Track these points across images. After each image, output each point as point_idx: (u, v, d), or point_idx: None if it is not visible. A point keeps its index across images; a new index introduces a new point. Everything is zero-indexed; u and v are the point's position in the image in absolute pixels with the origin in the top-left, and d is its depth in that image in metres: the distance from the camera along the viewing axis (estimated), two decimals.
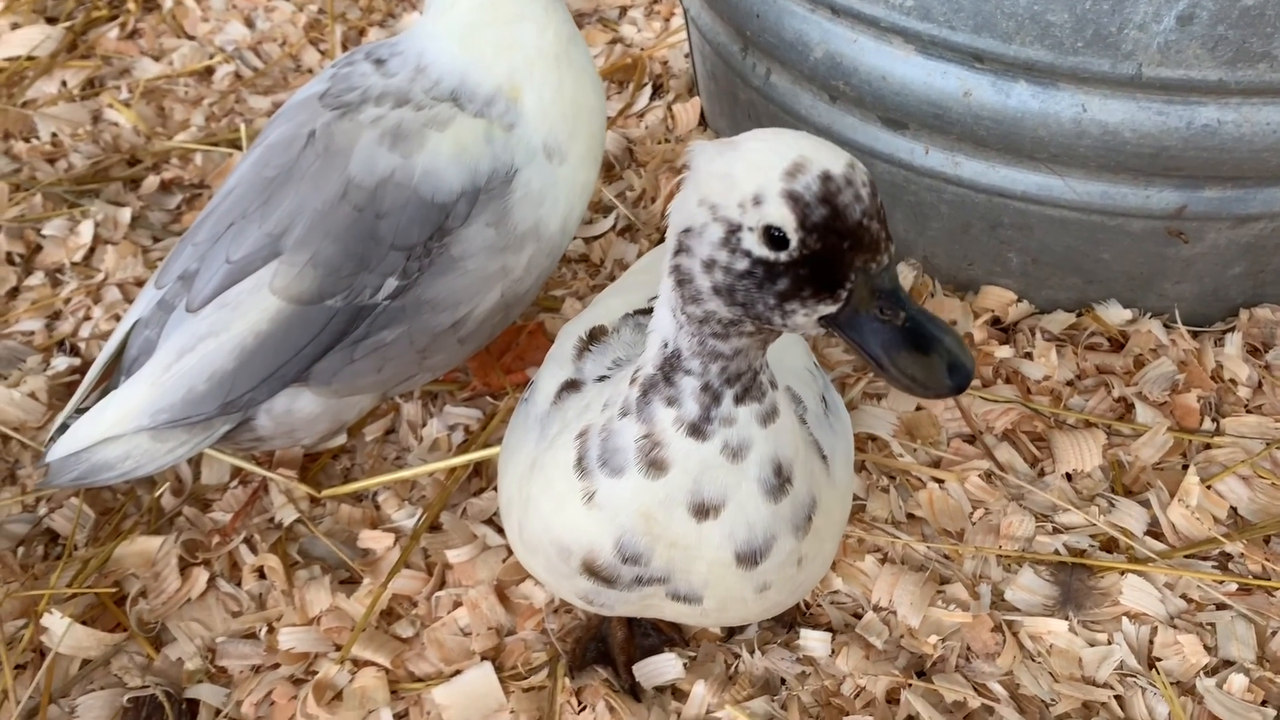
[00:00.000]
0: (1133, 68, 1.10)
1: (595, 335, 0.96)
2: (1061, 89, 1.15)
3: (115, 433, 1.06)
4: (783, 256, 0.67)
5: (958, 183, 1.30)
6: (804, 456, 0.84)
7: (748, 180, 0.68)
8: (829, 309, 0.68)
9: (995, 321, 1.41)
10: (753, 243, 0.68)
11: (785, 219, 0.66)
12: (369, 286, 1.08)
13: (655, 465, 0.79)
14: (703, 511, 0.80)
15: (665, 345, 0.77)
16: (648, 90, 1.82)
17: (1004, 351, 1.37)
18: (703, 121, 1.74)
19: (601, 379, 0.92)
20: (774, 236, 0.67)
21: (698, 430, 0.77)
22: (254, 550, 1.22)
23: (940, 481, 1.26)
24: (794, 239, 0.66)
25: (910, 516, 1.24)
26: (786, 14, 1.32)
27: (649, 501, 0.80)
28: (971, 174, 1.29)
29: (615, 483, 0.80)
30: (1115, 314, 1.37)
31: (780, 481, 0.80)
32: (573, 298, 1.50)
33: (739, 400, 0.77)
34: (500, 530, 1.23)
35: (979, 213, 1.32)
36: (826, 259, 0.66)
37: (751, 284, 0.69)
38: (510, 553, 1.20)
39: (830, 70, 1.30)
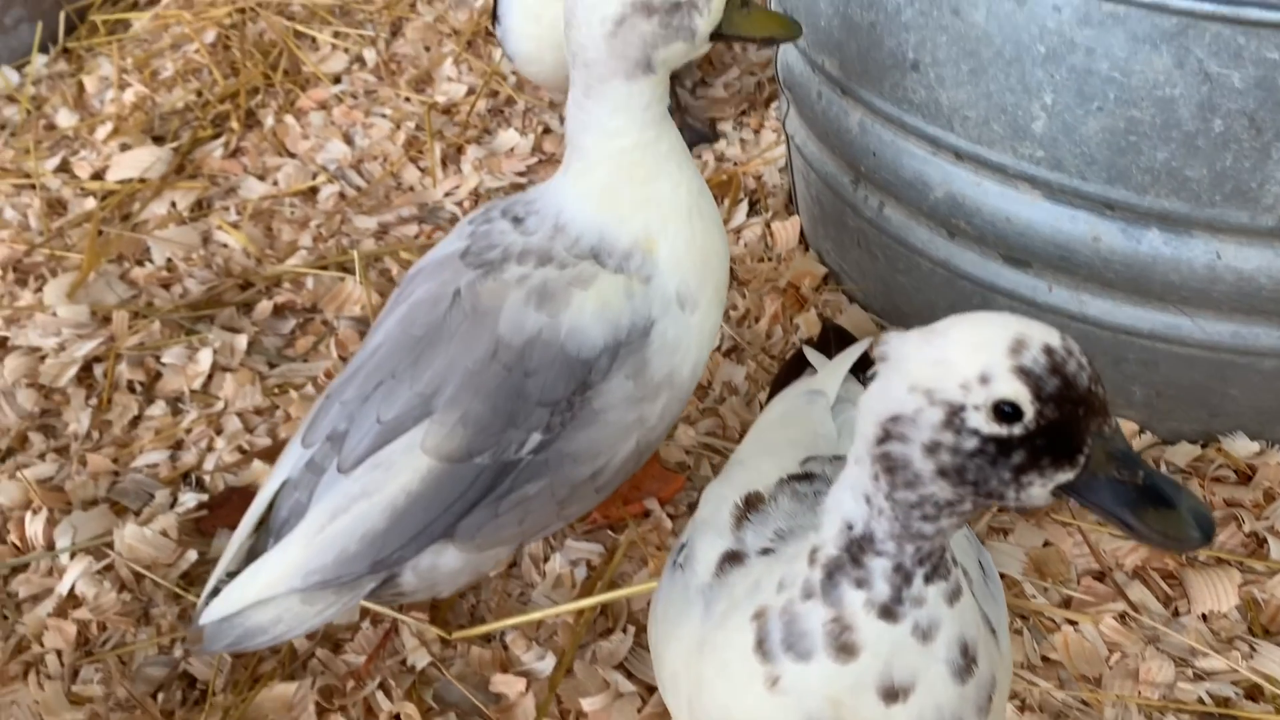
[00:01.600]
0: (1272, 220, 1.10)
1: (752, 503, 0.97)
2: (1195, 236, 1.16)
3: (268, 595, 1.08)
4: (1017, 430, 0.69)
5: (1082, 320, 1.30)
6: (984, 634, 0.84)
7: (969, 362, 0.70)
8: (1067, 476, 0.70)
9: None
10: (980, 421, 0.69)
11: (1019, 393, 0.68)
12: (515, 442, 1.10)
13: (845, 649, 0.79)
14: (892, 695, 0.80)
15: (851, 528, 0.78)
16: (744, 206, 1.85)
17: None
18: (802, 240, 1.76)
19: (765, 551, 0.92)
20: (1005, 412, 0.69)
21: (889, 612, 0.78)
22: (389, 696, 1.23)
23: (1074, 623, 1.25)
24: (1030, 411, 0.68)
25: (1045, 660, 1.23)
26: (905, 154, 1.33)
27: (838, 687, 0.80)
28: (1097, 312, 1.29)
29: (802, 668, 0.80)
30: (1242, 446, 1.36)
31: (967, 662, 0.80)
32: (684, 423, 1.51)
33: (928, 579, 0.78)
34: (630, 675, 1.24)
35: (1103, 348, 1.32)
36: (1063, 427, 0.69)
37: (984, 461, 0.70)
38: (644, 701, 1.20)
39: (951, 210, 1.31)
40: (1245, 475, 1.37)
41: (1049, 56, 1.09)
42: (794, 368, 1.27)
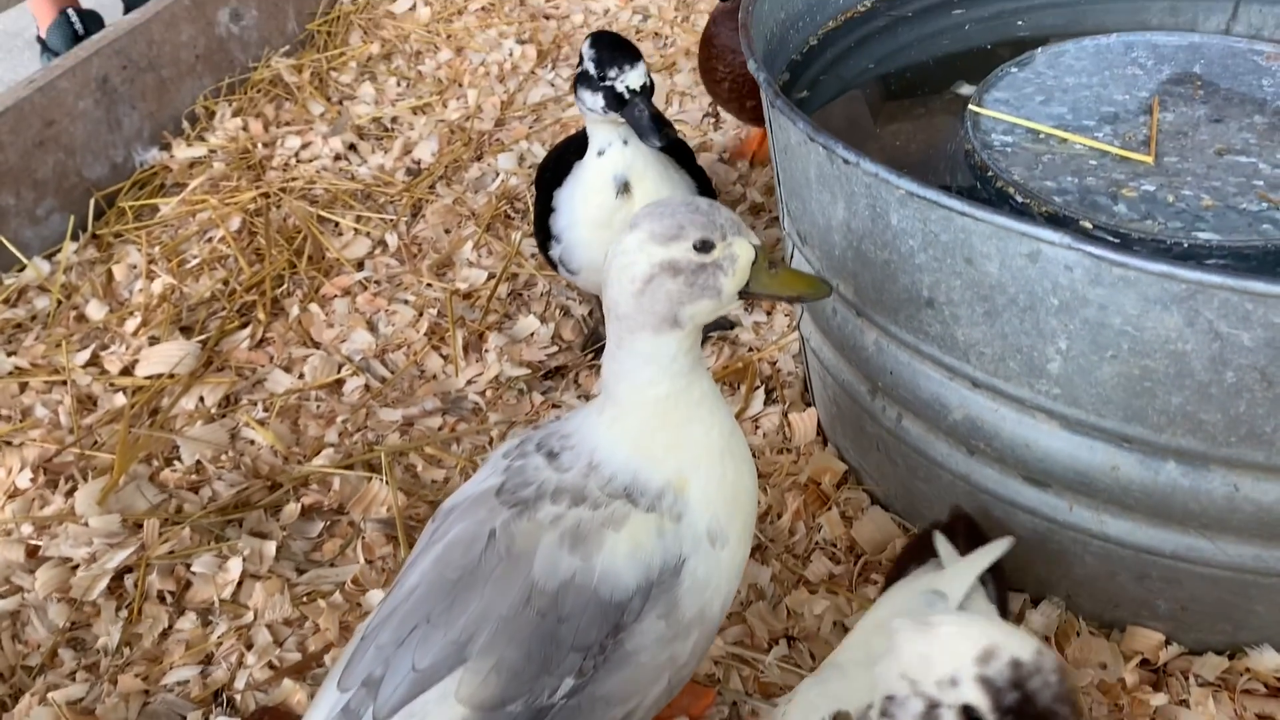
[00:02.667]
0: None
1: None
2: (1213, 470, 1.19)
3: None
4: None
5: (1103, 539, 1.33)
6: None
7: (943, 663, 0.77)
8: None
9: (1145, 663, 1.41)
10: (951, 718, 0.78)
11: (980, 701, 0.76)
12: (548, 689, 1.10)
13: None
14: None
15: None
16: (760, 394, 1.88)
17: (1158, 699, 1.36)
18: (820, 432, 1.79)
19: None
20: (972, 716, 0.77)
21: None
22: None
23: None
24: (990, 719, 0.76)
25: None
26: (922, 376, 1.37)
27: None
28: (1118, 532, 1.31)
29: None
30: (1270, 659, 1.37)
31: None
32: None
33: None
34: None
35: (1125, 565, 1.34)
36: None
37: None
38: None
39: (969, 431, 1.35)
40: (1275, 689, 1.37)
41: (1062, 308, 1.13)
42: (917, 551, 1.28)
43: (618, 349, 1.14)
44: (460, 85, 2.86)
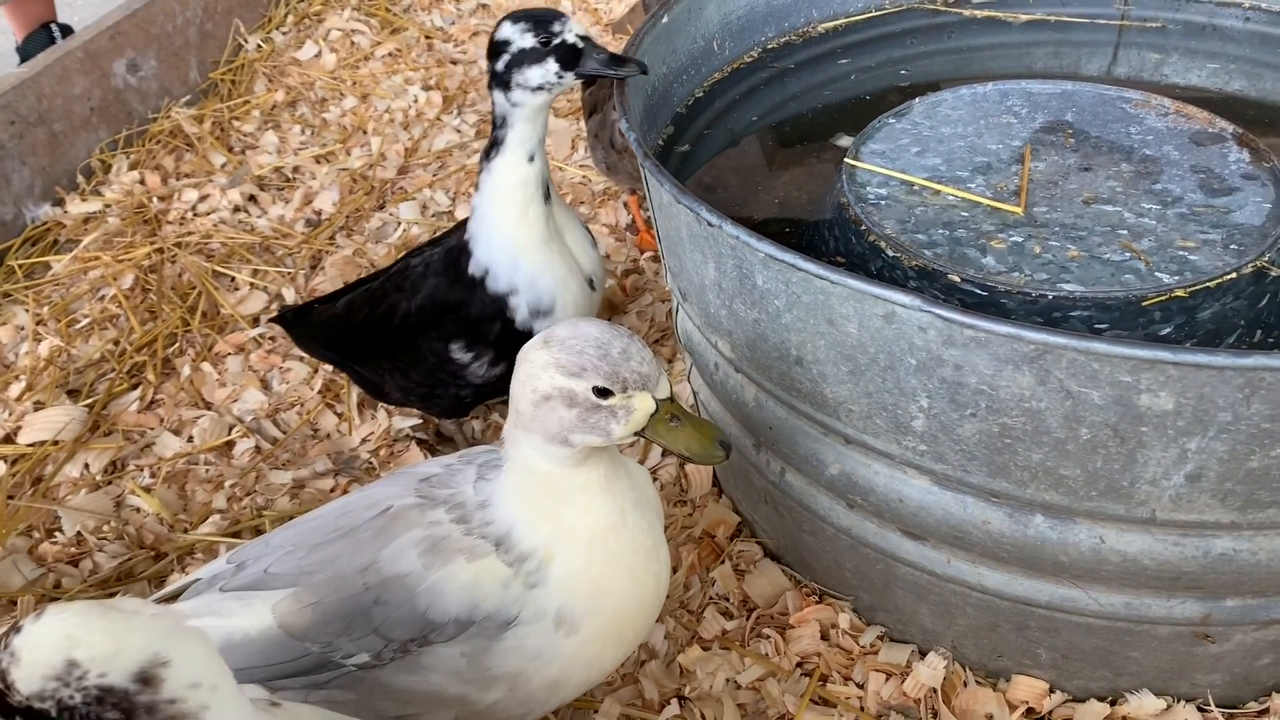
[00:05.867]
0: (1146, 512, 1.14)
1: None
2: (1078, 523, 1.20)
3: None
4: None
5: (981, 590, 1.33)
6: None
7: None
8: None
9: (1030, 712, 1.41)
10: None
11: None
12: (343, 650, 1.18)
13: None
14: None
15: None
16: (645, 466, 1.87)
17: None
18: (715, 484, 1.78)
19: None
20: None
21: None
22: None
23: None
24: None
25: None
26: (799, 432, 1.37)
27: None
28: (995, 584, 1.31)
29: None
30: (1149, 704, 1.37)
31: None
32: (607, 691, 1.49)
33: None
34: None
35: (1005, 615, 1.35)
36: None
37: None
38: None
39: (846, 486, 1.35)
40: None
41: (920, 368, 1.14)
42: None
43: (513, 428, 1.14)
44: (364, 132, 2.83)
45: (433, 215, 2.51)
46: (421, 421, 1.97)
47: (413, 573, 1.17)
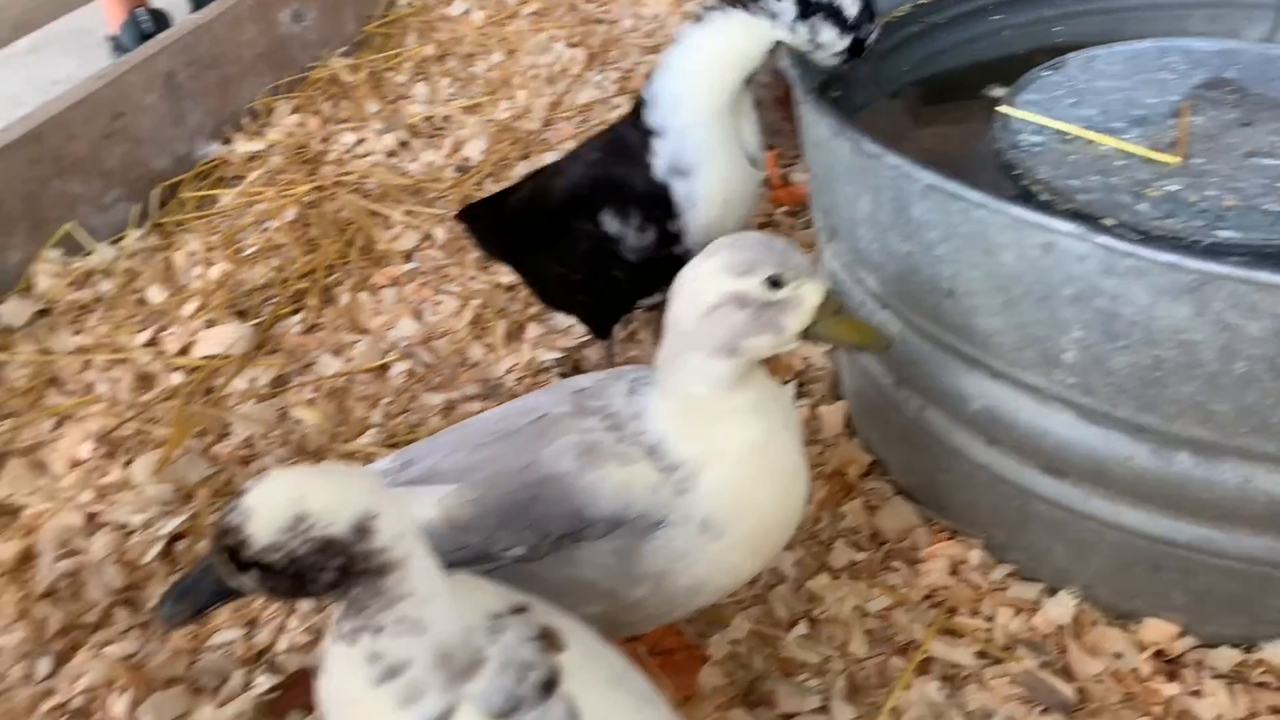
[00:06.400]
0: None
1: None
2: (1225, 461, 1.21)
3: None
4: None
5: (1119, 528, 1.35)
6: None
7: None
8: None
9: (1159, 654, 1.43)
10: None
11: None
12: (501, 544, 1.25)
13: None
14: None
15: None
16: (791, 388, 1.93)
17: (1171, 689, 1.39)
18: (849, 426, 1.83)
19: None
20: None
21: None
22: None
23: None
24: None
25: None
26: (943, 367, 1.41)
27: None
28: (1133, 523, 1.34)
29: None
30: None
31: None
32: (738, 608, 1.56)
33: None
34: None
35: (1141, 556, 1.37)
36: None
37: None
38: None
39: (988, 421, 1.38)
40: None
41: (1076, 298, 1.17)
42: None
43: (671, 356, 1.20)
44: (510, 86, 2.94)
45: None
46: (563, 355, 2.06)
47: (569, 472, 1.24)
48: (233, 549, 0.92)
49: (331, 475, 0.94)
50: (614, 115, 2.77)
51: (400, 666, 0.98)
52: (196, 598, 1.02)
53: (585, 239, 1.72)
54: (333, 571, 0.93)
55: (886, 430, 1.66)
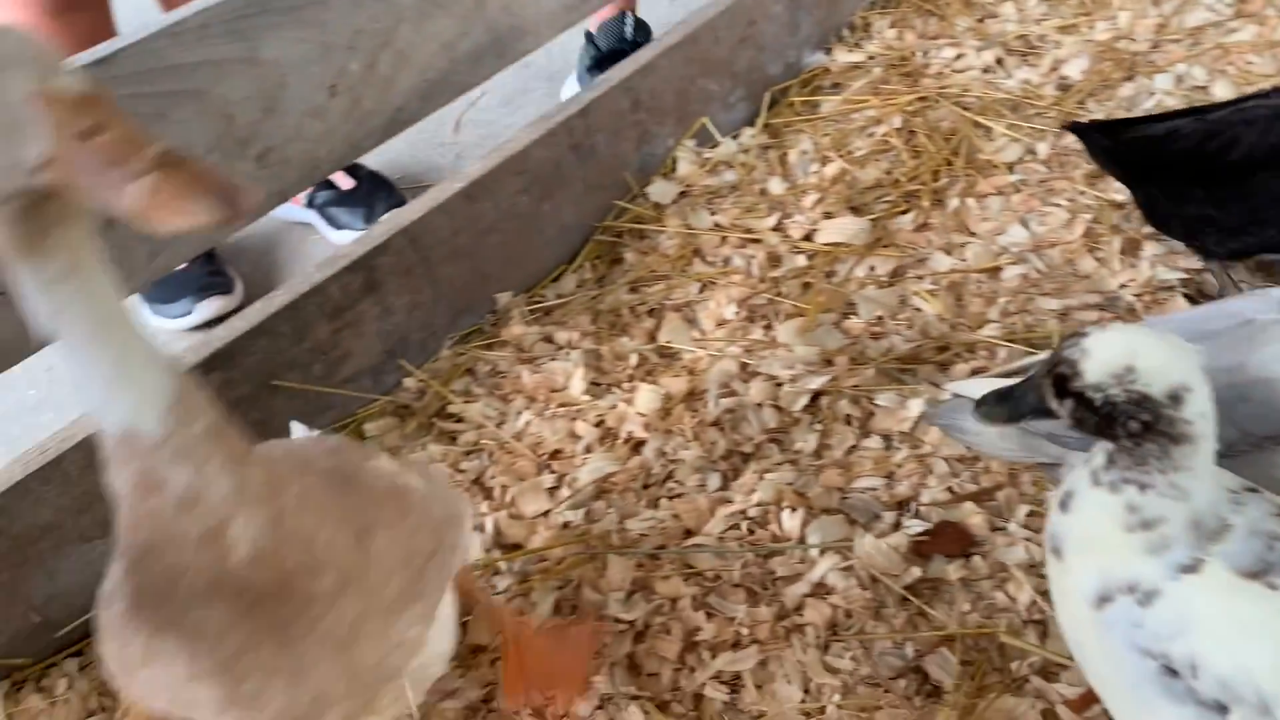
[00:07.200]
0: None
1: None
2: None
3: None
4: None
5: None
6: None
7: None
8: None
9: None
10: None
11: None
12: (1226, 439, 1.23)
13: None
14: None
15: None
16: None
17: None
18: None
19: None
20: None
21: None
22: None
23: None
24: None
25: None
26: None
27: None
28: None
29: None
30: None
31: None
32: None
33: None
34: None
35: None
36: None
37: None
38: None
39: None
40: None
41: None
42: None
43: None
44: (1108, 6, 2.89)
45: (1188, 88, 2.53)
46: (1186, 276, 2.06)
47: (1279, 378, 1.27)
48: (1062, 377, 1.08)
49: (1165, 343, 1.06)
50: (1230, 40, 2.66)
51: (1155, 521, 1.09)
52: (1015, 406, 1.19)
53: (1264, 195, 1.74)
54: (1138, 424, 1.06)
55: None
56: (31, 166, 0.69)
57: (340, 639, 1.02)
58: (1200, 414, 1.06)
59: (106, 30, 2.29)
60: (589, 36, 3.16)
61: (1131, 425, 1.07)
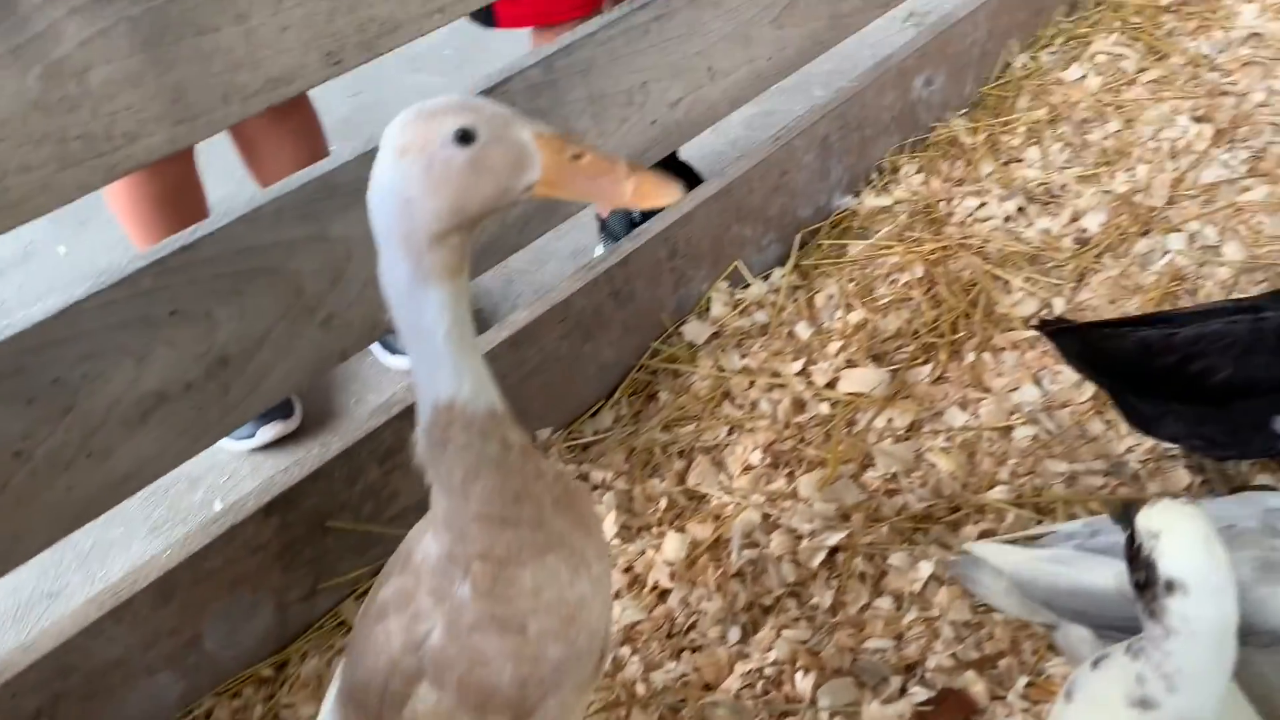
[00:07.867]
0: None
1: None
2: None
3: (998, 567, 1.59)
4: None
5: None
6: None
7: None
8: None
9: None
10: None
11: None
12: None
13: None
14: None
15: None
16: None
17: None
18: None
19: None
20: None
21: None
22: None
23: None
24: None
25: None
26: None
27: None
28: None
29: None
30: None
31: None
32: None
33: None
34: None
35: None
36: None
37: None
38: None
39: None
40: None
41: None
42: None
43: None
44: (1128, 158, 3.02)
45: (1199, 248, 2.65)
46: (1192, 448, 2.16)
47: (1242, 583, 1.30)
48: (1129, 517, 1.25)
49: (1205, 543, 1.18)
50: (1243, 199, 2.78)
51: (1150, 702, 1.21)
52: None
53: (1245, 420, 1.84)
54: (1138, 582, 1.21)
55: None
56: (524, 186, 0.98)
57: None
58: (1190, 618, 1.17)
59: (201, 212, 2.60)
60: (601, 223, 3.29)
61: (1136, 577, 1.21)
